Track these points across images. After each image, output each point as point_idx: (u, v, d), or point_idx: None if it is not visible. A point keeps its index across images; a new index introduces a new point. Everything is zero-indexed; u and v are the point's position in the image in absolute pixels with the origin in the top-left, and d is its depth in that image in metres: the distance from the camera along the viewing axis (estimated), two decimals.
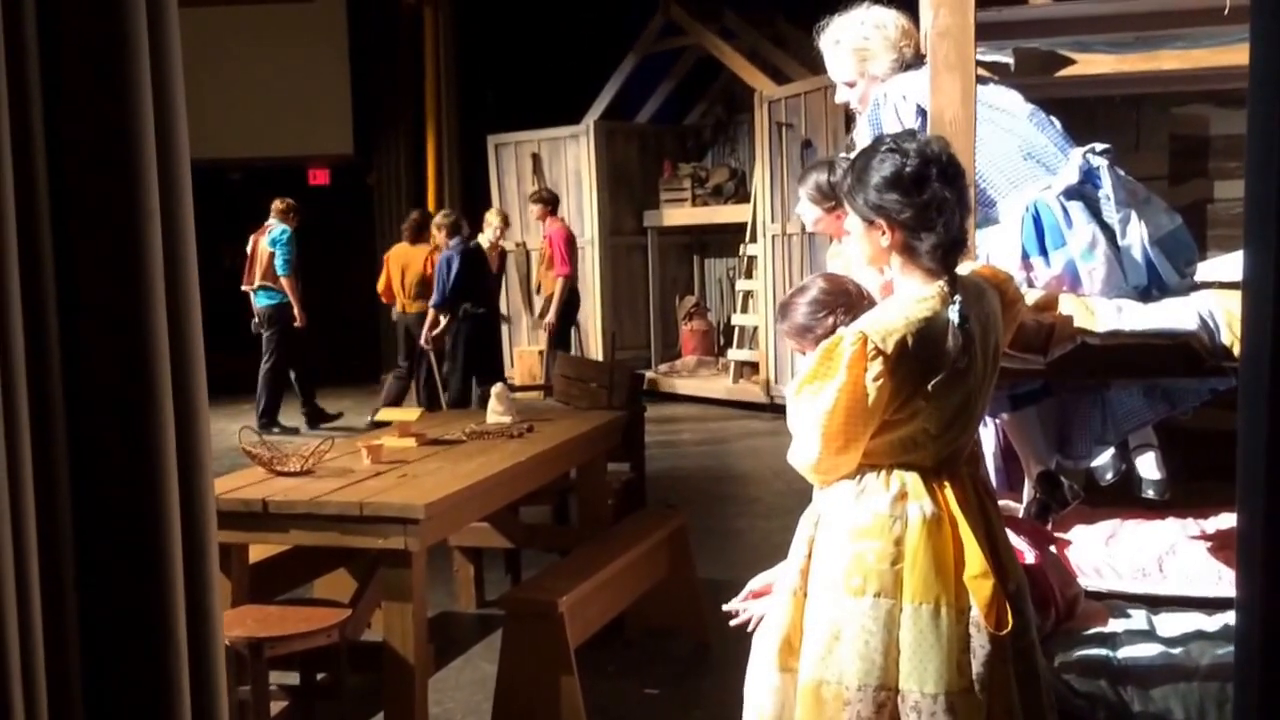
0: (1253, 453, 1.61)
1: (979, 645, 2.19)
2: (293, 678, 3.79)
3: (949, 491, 2.25)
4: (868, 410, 2.18)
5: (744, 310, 10.81)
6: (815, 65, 10.38)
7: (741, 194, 11.11)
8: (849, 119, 6.92)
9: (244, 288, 9.38)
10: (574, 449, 4.47)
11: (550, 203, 9.75)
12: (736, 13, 10.90)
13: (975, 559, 2.20)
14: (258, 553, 3.88)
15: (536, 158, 11.77)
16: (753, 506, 7.07)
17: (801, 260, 9.84)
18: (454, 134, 12.48)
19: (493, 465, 3.87)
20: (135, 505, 1.46)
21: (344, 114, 12.76)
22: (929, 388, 2.19)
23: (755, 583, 2.64)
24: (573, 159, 11.56)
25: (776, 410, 9.95)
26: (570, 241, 9.61)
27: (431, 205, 12.49)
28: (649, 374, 10.99)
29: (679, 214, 11.58)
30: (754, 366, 10.54)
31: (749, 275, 10.65)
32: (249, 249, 9.35)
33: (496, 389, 4.84)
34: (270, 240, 9.18)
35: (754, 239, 10.47)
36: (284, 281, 9.11)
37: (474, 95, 12.53)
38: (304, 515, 3.37)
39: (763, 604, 2.63)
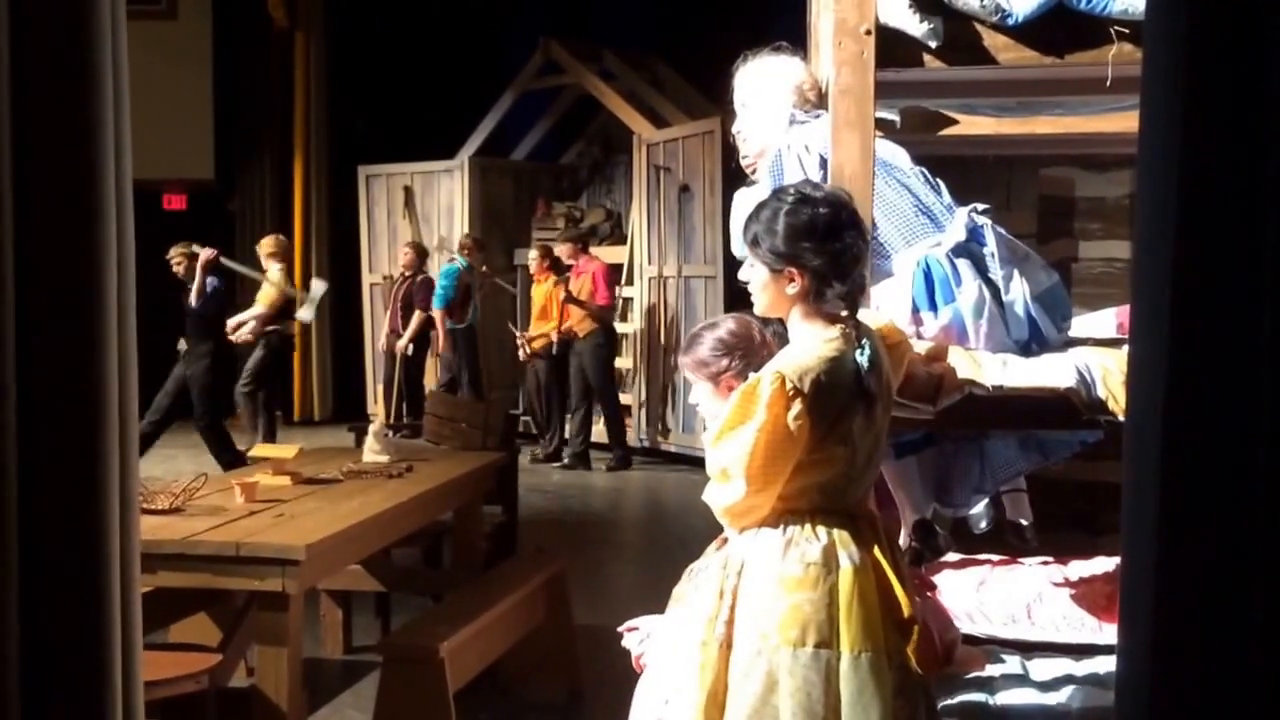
0: (1141, 504, 1.67)
1: (907, 688, 2.23)
2: None
3: (867, 536, 2.29)
4: (788, 450, 2.20)
5: (619, 352, 10.82)
6: (694, 110, 10.57)
7: (617, 235, 11.16)
8: (728, 165, 7.03)
9: None
10: (454, 490, 4.39)
11: (584, 240, 9.90)
12: (617, 54, 10.99)
13: (904, 603, 2.24)
14: None
15: (409, 190, 11.62)
16: (623, 551, 7.05)
17: (677, 303, 9.93)
18: (323, 162, 12.22)
19: (373, 505, 3.77)
20: (79, 537, 1.39)
21: (204, 137, 12.31)
22: (843, 428, 2.22)
23: (648, 626, 2.62)
24: (446, 193, 11.45)
25: (648, 453, 9.97)
26: (610, 276, 9.74)
27: (298, 234, 12.17)
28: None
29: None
30: (625, 409, 10.55)
31: (624, 318, 10.68)
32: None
33: (374, 427, 4.73)
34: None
35: (630, 281, 10.52)
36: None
37: (345, 124, 12.30)
38: (174, 555, 3.22)
39: (651, 648, 2.61)
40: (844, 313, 2.27)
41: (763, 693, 2.22)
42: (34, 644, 1.43)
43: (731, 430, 2.24)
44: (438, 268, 11.03)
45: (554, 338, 9.68)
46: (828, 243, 2.25)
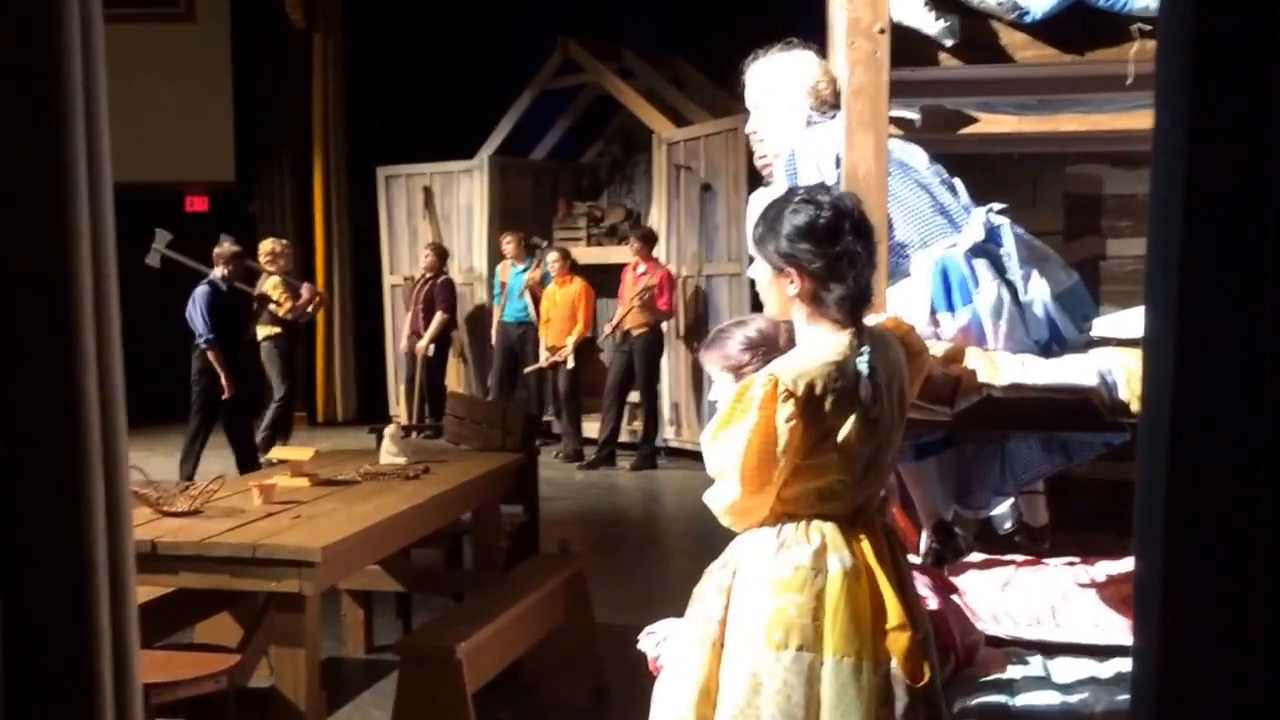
0: (1152, 505, 1.65)
1: (897, 697, 2.21)
2: None
3: (865, 543, 2.28)
4: (780, 452, 2.19)
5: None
6: (714, 108, 10.50)
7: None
8: (751, 164, 6.98)
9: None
10: (472, 491, 4.40)
11: (652, 241, 9.85)
12: (635, 52, 10.96)
13: (894, 611, 2.23)
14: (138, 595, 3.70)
15: (428, 191, 11.64)
16: (648, 550, 7.04)
17: (696, 302, 9.91)
18: (342, 164, 12.26)
19: (390, 507, 3.78)
20: (62, 545, 1.39)
21: (225, 139, 12.39)
22: (841, 435, 2.21)
23: (665, 629, 2.62)
24: (465, 194, 11.45)
25: (671, 453, 9.95)
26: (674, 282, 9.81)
27: (319, 235, 12.24)
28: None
29: (573, 252, 11.55)
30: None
31: None
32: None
33: (390, 429, 4.74)
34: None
35: None
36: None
37: (364, 125, 12.33)
38: (194, 557, 3.24)
39: (668, 650, 2.61)
40: (839, 318, 2.26)
41: (748, 693, 2.23)
42: (17, 657, 1.42)
43: (725, 430, 2.25)
44: (458, 269, 11.08)
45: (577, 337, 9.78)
46: (826, 246, 2.25)
